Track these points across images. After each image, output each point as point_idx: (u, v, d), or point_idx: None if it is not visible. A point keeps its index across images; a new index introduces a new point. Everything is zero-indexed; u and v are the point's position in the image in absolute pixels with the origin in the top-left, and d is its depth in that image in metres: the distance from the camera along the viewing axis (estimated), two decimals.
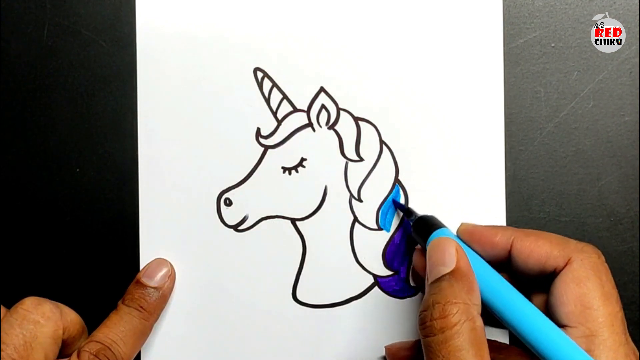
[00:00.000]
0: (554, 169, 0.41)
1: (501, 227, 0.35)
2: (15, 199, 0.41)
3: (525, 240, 0.34)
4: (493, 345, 0.34)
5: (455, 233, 0.36)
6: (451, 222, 0.40)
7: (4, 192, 0.41)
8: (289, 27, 0.41)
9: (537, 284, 0.34)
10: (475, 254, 0.35)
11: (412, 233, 0.38)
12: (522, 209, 0.41)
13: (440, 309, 0.30)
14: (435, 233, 0.35)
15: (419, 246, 0.39)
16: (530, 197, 0.41)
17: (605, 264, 0.33)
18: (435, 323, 0.30)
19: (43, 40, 0.41)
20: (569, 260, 0.32)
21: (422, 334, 0.30)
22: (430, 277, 0.32)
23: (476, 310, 0.30)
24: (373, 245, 0.41)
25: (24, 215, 0.41)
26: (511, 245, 0.34)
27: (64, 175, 0.41)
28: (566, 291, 0.32)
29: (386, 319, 0.41)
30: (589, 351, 0.30)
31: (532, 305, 0.32)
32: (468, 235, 0.36)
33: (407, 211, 0.39)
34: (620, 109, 0.41)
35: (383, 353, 0.40)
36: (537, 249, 0.33)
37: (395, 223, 0.41)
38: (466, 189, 0.41)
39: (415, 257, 0.39)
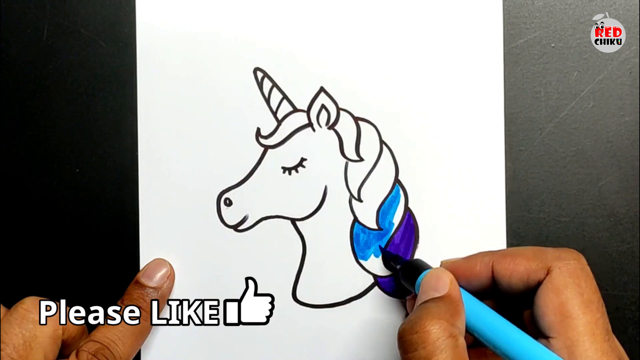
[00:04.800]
0: (554, 169, 0.41)
1: (479, 254, 0.35)
2: (15, 199, 0.41)
3: (503, 262, 0.34)
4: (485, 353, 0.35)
5: None
6: (451, 222, 0.40)
7: (4, 192, 0.41)
8: (289, 27, 0.41)
9: (526, 299, 0.34)
10: (460, 288, 0.34)
11: (400, 278, 0.38)
12: (522, 209, 0.41)
13: (421, 324, 0.29)
14: (425, 271, 0.35)
15: (409, 297, 0.39)
16: (530, 197, 0.41)
17: (586, 268, 0.32)
18: (416, 336, 0.29)
19: (43, 40, 0.41)
20: (549, 269, 0.32)
21: (403, 351, 0.30)
22: (418, 301, 0.33)
23: (458, 331, 0.30)
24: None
25: (24, 215, 0.41)
26: (492, 270, 0.34)
27: (64, 175, 0.41)
28: (546, 302, 0.31)
29: (386, 319, 0.41)
30: None
31: (520, 331, 0.31)
32: (450, 272, 0.35)
33: (395, 258, 0.39)
34: (620, 109, 0.41)
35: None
36: (516, 267, 0.33)
37: (395, 223, 0.41)
38: (466, 189, 0.41)
39: (409, 305, 0.39)
